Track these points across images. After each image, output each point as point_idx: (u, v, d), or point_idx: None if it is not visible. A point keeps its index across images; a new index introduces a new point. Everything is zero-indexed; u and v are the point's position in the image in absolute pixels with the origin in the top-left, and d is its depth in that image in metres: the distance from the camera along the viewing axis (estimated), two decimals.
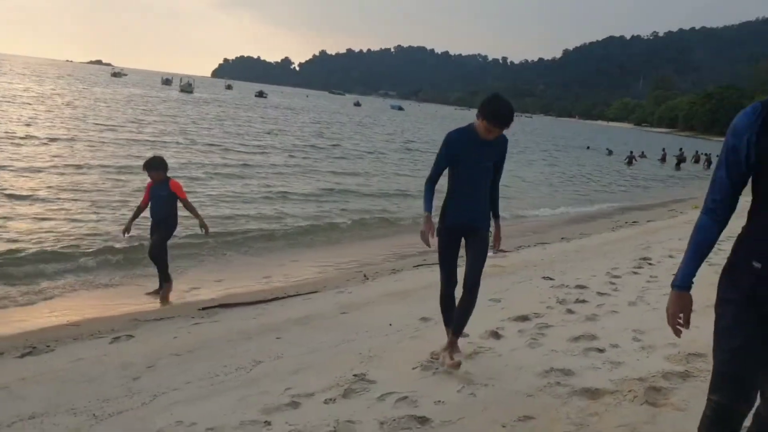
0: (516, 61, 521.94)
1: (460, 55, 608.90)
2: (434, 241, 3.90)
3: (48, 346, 4.69)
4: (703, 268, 2.13)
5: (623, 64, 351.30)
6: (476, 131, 3.78)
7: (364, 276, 7.47)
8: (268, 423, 3.14)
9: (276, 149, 23.99)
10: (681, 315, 2.12)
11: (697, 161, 40.62)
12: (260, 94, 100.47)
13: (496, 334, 4.53)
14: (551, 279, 6.55)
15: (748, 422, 2.08)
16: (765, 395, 2.01)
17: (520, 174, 22.59)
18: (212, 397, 3.56)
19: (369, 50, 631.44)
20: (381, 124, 55.65)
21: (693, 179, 28.92)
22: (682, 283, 2.10)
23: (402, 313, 5.33)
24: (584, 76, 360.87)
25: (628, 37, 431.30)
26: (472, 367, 3.87)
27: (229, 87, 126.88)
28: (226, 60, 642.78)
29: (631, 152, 37.06)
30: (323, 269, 8.18)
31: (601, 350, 4.17)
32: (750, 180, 2.03)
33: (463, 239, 3.99)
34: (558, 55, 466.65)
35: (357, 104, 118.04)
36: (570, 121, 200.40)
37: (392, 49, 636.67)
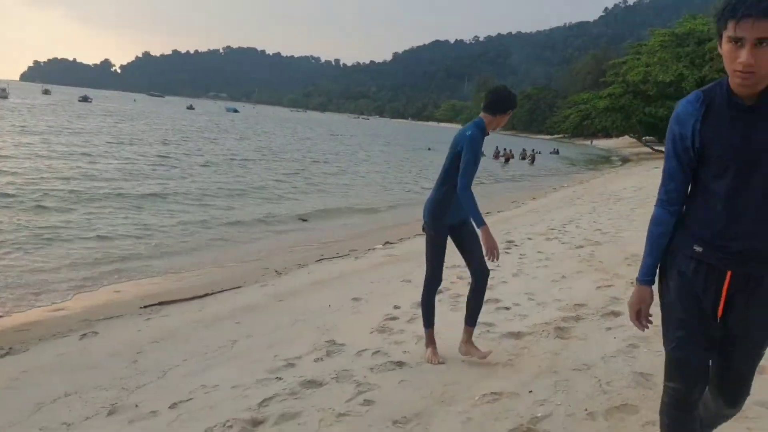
0: (348, 63, 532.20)
1: (293, 56, 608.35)
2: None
3: (21, 347, 5.01)
4: None
5: (449, 67, 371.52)
6: (485, 128, 3.91)
7: (276, 271, 8.20)
8: (279, 378, 3.92)
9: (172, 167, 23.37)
10: (642, 307, 2.17)
11: (523, 158, 44.77)
12: (84, 99, 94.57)
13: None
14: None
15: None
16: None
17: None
18: (214, 368, 4.24)
19: (197, 51, 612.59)
20: (226, 130, 54.75)
21: (523, 174, 32.06)
22: (645, 276, 2.15)
23: (333, 296, 6.22)
24: (414, 78, 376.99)
25: (452, 41, 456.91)
26: (415, 328, 4.87)
27: (46, 92, 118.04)
28: (36, 62, 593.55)
29: (499, 149, 41.07)
30: (223, 268, 8.71)
31: (507, 308, 5.36)
32: None
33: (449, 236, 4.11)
34: (389, 57, 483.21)
35: (190, 107, 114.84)
36: (403, 123, 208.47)
37: (221, 50, 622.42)
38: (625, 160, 49.74)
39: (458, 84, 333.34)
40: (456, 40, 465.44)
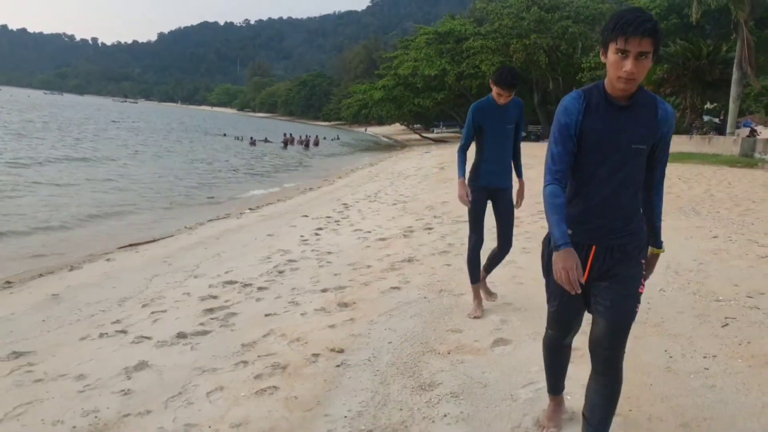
0: (108, 43, 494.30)
1: (42, 33, 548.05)
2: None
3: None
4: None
5: (220, 50, 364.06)
6: (493, 99, 4.36)
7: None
8: (281, 272, 6.85)
9: None
10: (574, 267, 2.25)
11: (300, 143, 47.36)
12: None
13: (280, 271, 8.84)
14: (294, 227, 11.00)
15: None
16: (594, 321, 2.47)
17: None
18: (207, 275, 7.07)
19: None
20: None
21: (306, 157, 35.17)
22: (565, 240, 2.28)
23: (247, 238, 9.19)
24: (182, 60, 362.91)
25: (222, 23, 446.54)
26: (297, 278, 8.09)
27: None
28: None
29: (252, 137, 43.14)
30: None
31: (369, 231, 8.81)
32: None
33: (489, 200, 4.61)
34: (153, 38, 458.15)
35: None
36: (174, 107, 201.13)
37: None
38: (400, 145, 56.08)
39: (231, 67, 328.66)
40: (226, 22, 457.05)
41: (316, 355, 4.00)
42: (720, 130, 31.21)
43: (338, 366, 3.81)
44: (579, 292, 2.27)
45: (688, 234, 7.61)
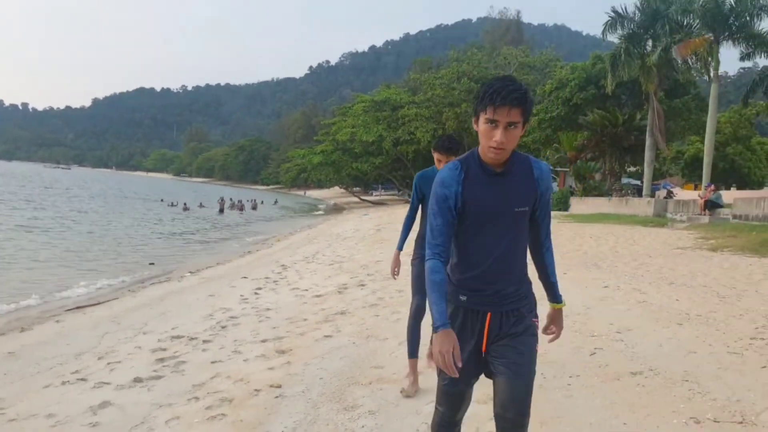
0: (39, 108, 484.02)
1: None
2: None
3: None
4: None
5: (156, 116, 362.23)
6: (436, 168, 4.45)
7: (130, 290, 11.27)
8: (223, 327, 7.55)
9: None
10: (452, 351, 2.23)
11: (234, 207, 45.53)
12: None
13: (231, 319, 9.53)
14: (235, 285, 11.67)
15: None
16: (496, 397, 2.40)
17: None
18: (155, 331, 7.67)
19: None
20: None
21: (244, 222, 35.64)
22: (442, 320, 2.27)
23: (190, 299, 9.79)
24: (117, 126, 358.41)
25: (158, 89, 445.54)
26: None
27: None
28: None
29: (185, 203, 43.34)
30: None
31: (306, 290, 9.56)
32: None
33: None
34: (87, 103, 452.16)
35: None
36: (108, 172, 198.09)
37: None
38: (338, 208, 57.18)
39: (167, 132, 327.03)
40: (162, 88, 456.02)
41: (257, 390, 4.72)
42: (641, 192, 33.58)
43: (276, 397, 4.53)
44: (457, 376, 2.26)
45: (585, 285, 8.68)
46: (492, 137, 2.25)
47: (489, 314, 2.42)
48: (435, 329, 2.28)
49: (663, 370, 4.63)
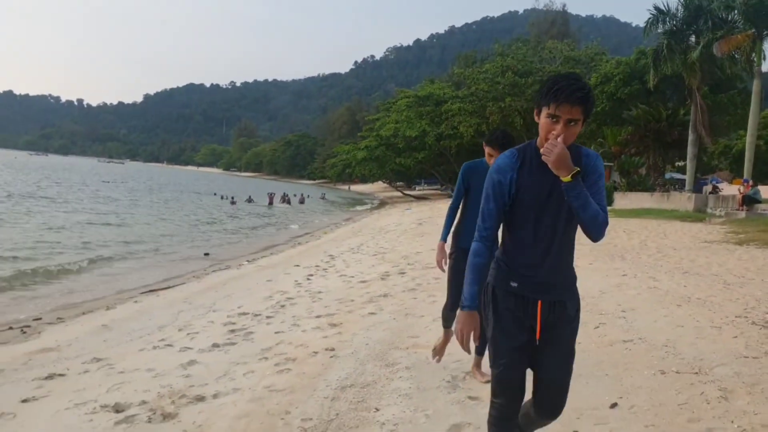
0: (93, 104, 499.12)
1: (27, 95, 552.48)
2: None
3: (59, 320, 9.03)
4: None
5: (206, 111, 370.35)
6: (485, 161, 4.47)
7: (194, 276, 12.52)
8: (282, 306, 8.65)
9: None
10: (471, 332, 2.42)
11: (284, 201, 47.27)
12: None
13: (282, 305, 10.62)
14: (288, 273, 12.80)
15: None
16: (539, 382, 2.54)
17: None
18: (223, 310, 8.81)
19: None
20: None
21: (292, 214, 37.03)
22: (471, 303, 2.42)
23: (250, 284, 10.94)
24: (168, 121, 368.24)
25: (208, 85, 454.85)
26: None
27: None
28: None
29: (232, 197, 45.14)
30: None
31: (352, 276, 10.59)
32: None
33: None
34: (139, 99, 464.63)
35: None
36: (160, 167, 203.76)
37: None
38: (382, 203, 58.31)
39: (217, 128, 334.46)
40: (212, 84, 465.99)
41: (315, 352, 5.77)
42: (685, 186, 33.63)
43: (331, 357, 5.57)
44: (470, 354, 2.57)
45: (605, 273, 9.46)
46: (552, 130, 2.36)
47: (540, 302, 2.50)
48: (462, 307, 2.49)
49: (650, 339, 5.51)
